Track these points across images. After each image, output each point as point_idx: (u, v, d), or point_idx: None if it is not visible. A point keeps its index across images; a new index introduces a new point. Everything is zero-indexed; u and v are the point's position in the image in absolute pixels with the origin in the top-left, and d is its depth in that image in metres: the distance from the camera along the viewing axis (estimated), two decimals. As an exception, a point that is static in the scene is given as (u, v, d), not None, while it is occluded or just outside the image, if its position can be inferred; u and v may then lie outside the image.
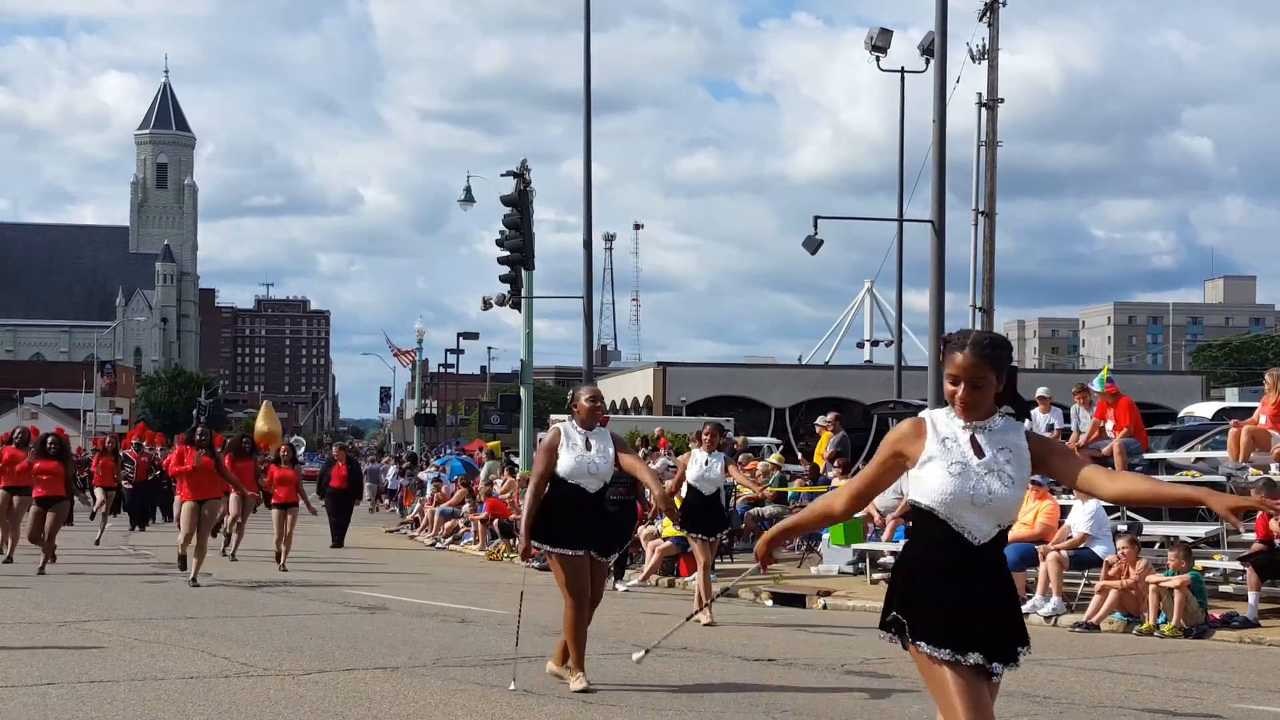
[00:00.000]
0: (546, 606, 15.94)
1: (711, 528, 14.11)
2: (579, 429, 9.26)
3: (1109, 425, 17.70)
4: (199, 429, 18.05)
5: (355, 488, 29.25)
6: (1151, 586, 13.46)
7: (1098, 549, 14.66)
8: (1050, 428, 19.13)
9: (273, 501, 21.00)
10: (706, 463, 14.23)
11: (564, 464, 9.11)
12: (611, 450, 9.27)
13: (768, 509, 23.35)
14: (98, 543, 23.84)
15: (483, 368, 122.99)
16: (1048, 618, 14.38)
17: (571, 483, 9.09)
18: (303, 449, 52.33)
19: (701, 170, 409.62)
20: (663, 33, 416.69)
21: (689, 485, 14.28)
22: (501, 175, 32.82)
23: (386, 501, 48.40)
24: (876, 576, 18.31)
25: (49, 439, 19.66)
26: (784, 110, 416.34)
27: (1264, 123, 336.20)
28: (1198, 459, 17.79)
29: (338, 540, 26.84)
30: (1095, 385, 18.25)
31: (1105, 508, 15.51)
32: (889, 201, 39.77)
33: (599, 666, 10.26)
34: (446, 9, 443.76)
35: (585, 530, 9.07)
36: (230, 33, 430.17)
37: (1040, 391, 19.48)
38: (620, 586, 18.28)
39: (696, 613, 12.66)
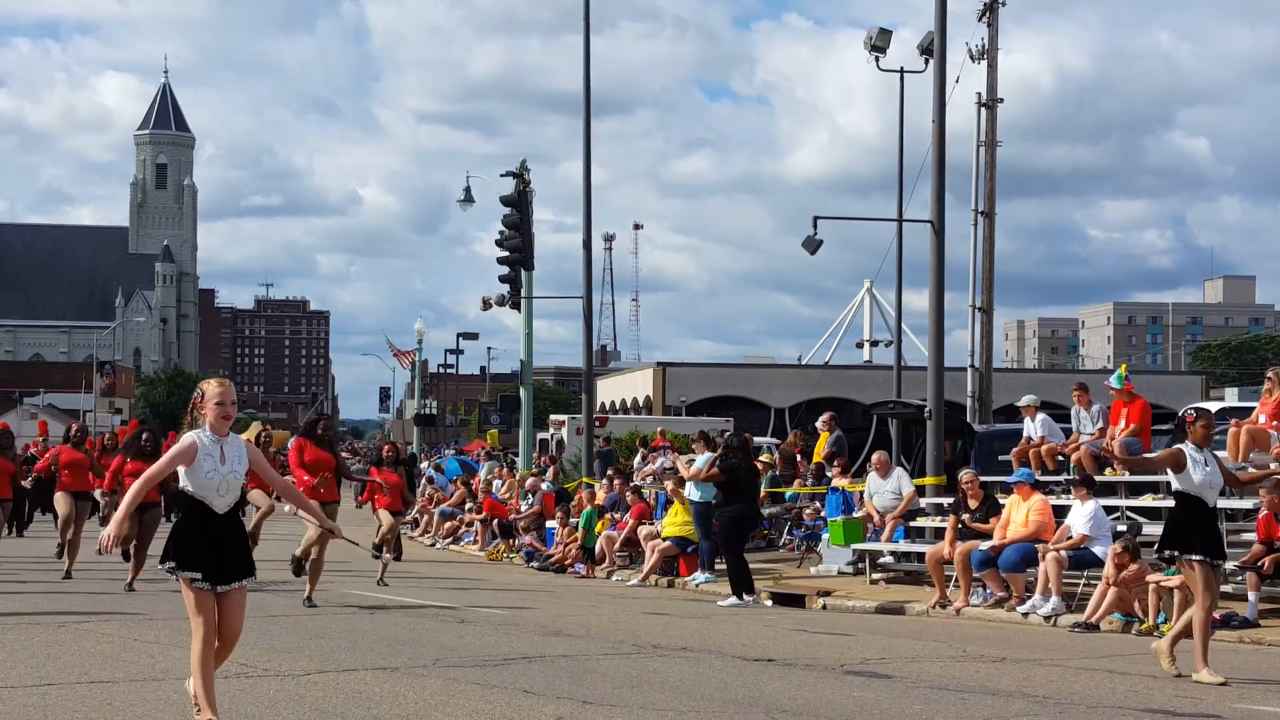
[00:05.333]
0: (544, 605, 15.96)
1: (1220, 549, 9.96)
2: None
3: (1118, 428, 17.37)
4: (320, 422, 16.07)
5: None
6: (1151, 586, 13.45)
7: (1097, 549, 14.65)
8: (1027, 439, 18.74)
9: (375, 507, 18.80)
10: (1206, 463, 10.08)
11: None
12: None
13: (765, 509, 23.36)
14: None
15: (482, 368, 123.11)
16: (1047, 618, 14.37)
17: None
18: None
19: (698, 171, 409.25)
20: (658, 34, 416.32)
21: (1187, 496, 10.17)
22: (501, 175, 32.89)
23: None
24: (876, 577, 18.32)
25: (144, 435, 17.35)
26: (779, 111, 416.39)
27: (1259, 123, 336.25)
28: (1197, 459, 17.70)
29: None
30: (1113, 383, 17.89)
31: (1105, 508, 15.50)
32: (886, 202, 39.83)
33: (598, 666, 10.25)
34: (440, 12, 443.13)
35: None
36: (225, 35, 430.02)
37: (1024, 401, 19.24)
38: (723, 603, 16.66)
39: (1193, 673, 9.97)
